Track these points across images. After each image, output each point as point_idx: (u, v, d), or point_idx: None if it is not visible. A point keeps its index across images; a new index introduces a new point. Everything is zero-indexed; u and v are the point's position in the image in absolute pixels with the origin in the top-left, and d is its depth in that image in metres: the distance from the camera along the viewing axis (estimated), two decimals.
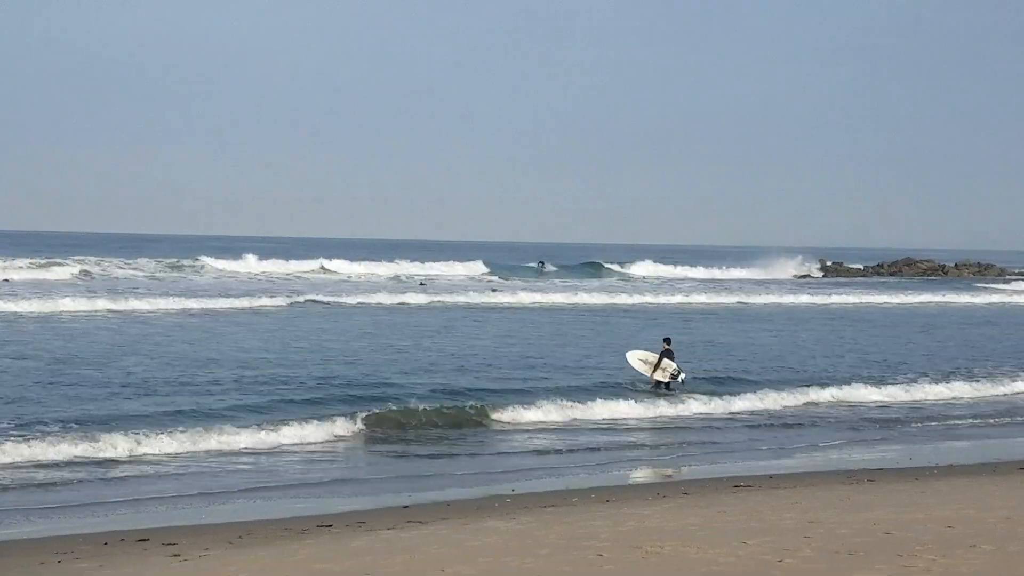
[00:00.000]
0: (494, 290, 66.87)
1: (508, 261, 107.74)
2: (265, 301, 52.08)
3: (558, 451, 21.80)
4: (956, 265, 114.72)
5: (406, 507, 16.16)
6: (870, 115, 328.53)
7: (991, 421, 26.71)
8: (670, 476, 19.92)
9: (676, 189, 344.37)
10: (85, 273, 69.06)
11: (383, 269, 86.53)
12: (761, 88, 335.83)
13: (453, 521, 14.88)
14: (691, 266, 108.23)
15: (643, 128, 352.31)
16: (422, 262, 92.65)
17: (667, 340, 30.05)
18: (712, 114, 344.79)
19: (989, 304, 72.34)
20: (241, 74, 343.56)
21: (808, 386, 29.35)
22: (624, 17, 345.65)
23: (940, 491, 17.03)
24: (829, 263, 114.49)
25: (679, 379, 29.07)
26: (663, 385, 28.93)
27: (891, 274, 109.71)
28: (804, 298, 69.07)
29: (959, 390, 30.57)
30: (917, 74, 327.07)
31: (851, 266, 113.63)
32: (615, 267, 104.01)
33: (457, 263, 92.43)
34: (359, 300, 55.46)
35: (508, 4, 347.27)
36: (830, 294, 72.06)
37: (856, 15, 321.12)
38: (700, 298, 66.23)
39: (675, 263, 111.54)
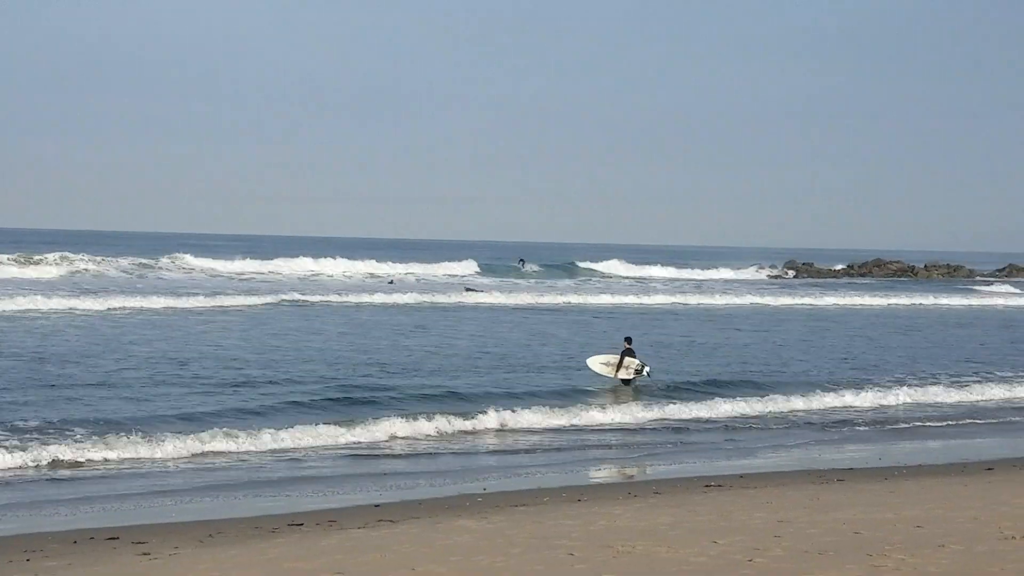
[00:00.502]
0: (468, 289, 66.78)
1: (495, 261, 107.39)
2: (240, 300, 51.95)
3: (528, 451, 21.81)
4: (925, 266, 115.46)
5: (377, 506, 16.13)
6: (840, 117, 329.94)
7: (960, 422, 26.87)
8: (640, 476, 19.96)
9: (641, 189, 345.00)
10: (70, 271, 69.07)
11: (367, 268, 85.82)
12: (728, 88, 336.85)
13: (424, 520, 14.86)
14: (663, 265, 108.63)
15: (613, 127, 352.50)
16: (418, 262, 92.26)
17: (628, 339, 30.44)
18: (682, 114, 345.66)
19: (979, 306, 72.63)
20: (228, 73, 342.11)
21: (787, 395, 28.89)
22: (603, 18, 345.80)
23: (909, 491, 17.12)
24: (801, 263, 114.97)
25: (644, 373, 29.38)
26: (629, 383, 29.13)
27: (861, 275, 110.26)
28: (784, 299, 69.23)
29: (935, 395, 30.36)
30: (886, 77, 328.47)
31: (821, 267, 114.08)
32: (594, 267, 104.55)
33: (452, 263, 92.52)
34: (333, 299, 55.44)
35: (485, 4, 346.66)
36: (807, 295, 72.47)
37: (831, 14, 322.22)
38: (678, 298, 66.60)
39: (647, 263, 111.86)
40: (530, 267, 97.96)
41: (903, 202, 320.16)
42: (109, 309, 45.01)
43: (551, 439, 23.17)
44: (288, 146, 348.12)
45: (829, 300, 70.67)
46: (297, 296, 55.12)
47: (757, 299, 68.80)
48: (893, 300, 73.18)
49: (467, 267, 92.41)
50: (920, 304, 71.97)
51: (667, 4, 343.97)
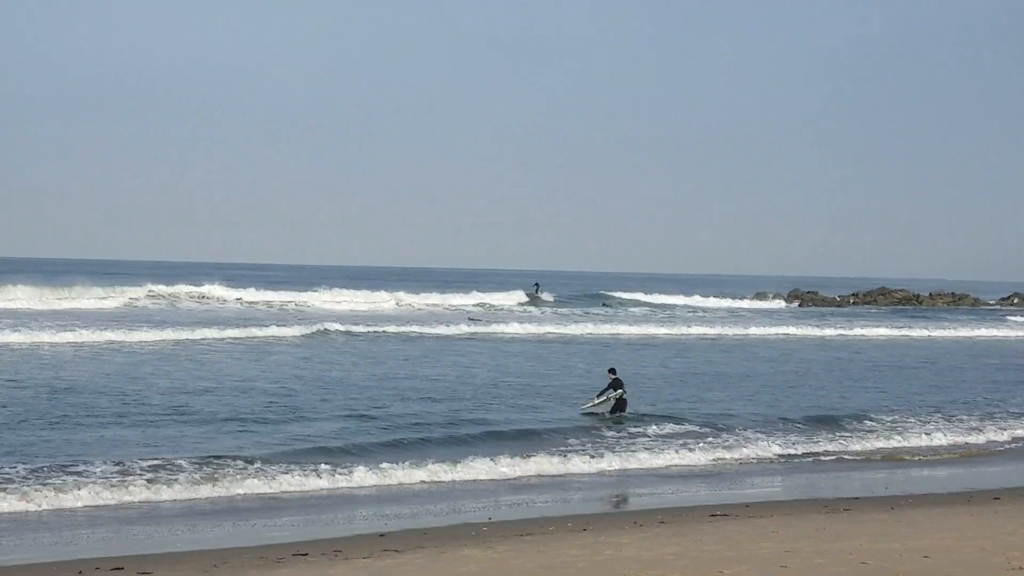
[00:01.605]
0: (471, 319, 66.75)
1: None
2: (290, 331, 51.65)
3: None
4: (931, 295, 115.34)
5: (382, 535, 16.09)
6: (844, 143, 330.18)
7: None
8: (645, 505, 19.87)
9: (634, 218, 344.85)
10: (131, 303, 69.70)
11: (408, 299, 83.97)
12: (730, 113, 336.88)
13: (429, 550, 14.82)
14: (682, 295, 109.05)
15: (608, 154, 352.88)
16: (478, 291, 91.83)
17: (612, 371, 30.50)
18: (681, 141, 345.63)
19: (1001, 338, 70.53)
20: (246, 100, 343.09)
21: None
22: (601, 37, 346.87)
23: (916, 521, 17.06)
24: (805, 292, 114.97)
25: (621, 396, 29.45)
26: (617, 412, 29.13)
27: (866, 303, 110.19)
28: (811, 330, 68.13)
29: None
30: (890, 104, 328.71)
31: (826, 295, 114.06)
32: (625, 295, 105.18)
33: (499, 293, 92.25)
34: (390, 329, 55.15)
35: (502, 23, 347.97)
36: (834, 325, 71.33)
37: (835, 37, 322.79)
38: (720, 329, 65.73)
39: (658, 291, 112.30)
40: (545, 294, 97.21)
41: (901, 230, 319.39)
42: (179, 341, 45.38)
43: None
44: (302, 173, 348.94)
45: (875, 331, 69.07)
46: (357, 327, 54.89)
47: (791, 329, 67.72)
48: (938, 332, 71.13)
49: (516, 297, 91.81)
50: (972, 336, 69.97)
51: (676, 28, 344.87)
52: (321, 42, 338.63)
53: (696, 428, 27.26)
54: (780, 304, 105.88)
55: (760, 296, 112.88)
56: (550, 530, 16.44)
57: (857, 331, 68.70)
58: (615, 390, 29.48)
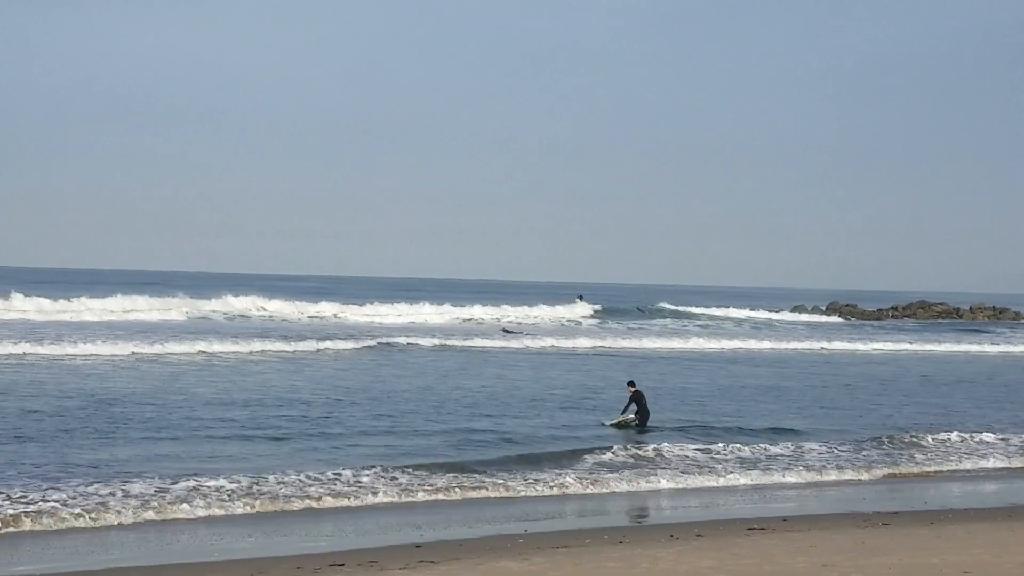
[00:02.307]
0: (505, 331, 66.69)
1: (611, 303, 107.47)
2: (343, 344, 51.72)
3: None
4: (971, 308, 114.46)
5: (418, 546, 16.09)
6: (884, 155, 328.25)
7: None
8: (682, 518, 19.77)
9: (672, 229, 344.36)
10: (191, 314, 70.19)
11: (470, 313, 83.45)
12: (765, 126, 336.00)
13: (465, 561, 14.81)
14: (734, 307, 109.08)
15: (641, 164, 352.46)
16: (509, 305, 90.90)
17: (631, 383, 30.68)
18: (712, 153, 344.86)
19: None
20: (270, 110, 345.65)
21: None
22: (632, 46, 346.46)
23: (956, 536, 16.91)
24: (843, 305, 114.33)
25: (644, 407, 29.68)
26: (634, 424, 29.33)
27: (905, 316, 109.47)
28: (859, 344, 67.82)
29: None
30: (931, 118, 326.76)
31: (864, 308, 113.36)
32: (681, 308, 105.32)
33: (561, 306, 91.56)
34: (436, 342, 55.37)
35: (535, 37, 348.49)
36: (888, 339, 71.38)
37: (871, 46, 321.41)
38: (787, 345, 65.65)
39: (692, 304, 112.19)
40: (588, 306, 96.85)
41: (935, 243, 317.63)
42: (251, 352, 46.36)
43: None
44: (335, 185, 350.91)
45: (946, 346, 68.75)
46: (415, 340, 55.18)
47: (847, 345, 67.14)
48: (989, 347, 70.48)
49: (583, 310, 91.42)
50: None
51: (694, 42, 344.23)
52: (347, 52, 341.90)
53: (773, 447, 26.67)
54: (822, 317, 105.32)
55: (798, 309, 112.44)
56: (586, 542, 16.39)
57: (906, 345, 68.24)
58: (636, 403, 29.70)
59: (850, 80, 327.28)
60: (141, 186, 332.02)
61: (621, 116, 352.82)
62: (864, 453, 26.54)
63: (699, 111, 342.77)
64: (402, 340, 55.10)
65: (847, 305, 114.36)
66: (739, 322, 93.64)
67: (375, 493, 19.99)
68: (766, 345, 64.66)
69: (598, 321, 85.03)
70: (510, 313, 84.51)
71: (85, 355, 41.88)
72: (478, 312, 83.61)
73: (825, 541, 16.22)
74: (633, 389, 30.14)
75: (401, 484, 20.74)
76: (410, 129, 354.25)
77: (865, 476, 24.32)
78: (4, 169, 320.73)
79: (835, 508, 20.61)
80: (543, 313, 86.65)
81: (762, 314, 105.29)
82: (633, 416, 29.55)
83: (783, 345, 64.84)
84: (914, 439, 28.32)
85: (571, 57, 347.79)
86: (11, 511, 17.30)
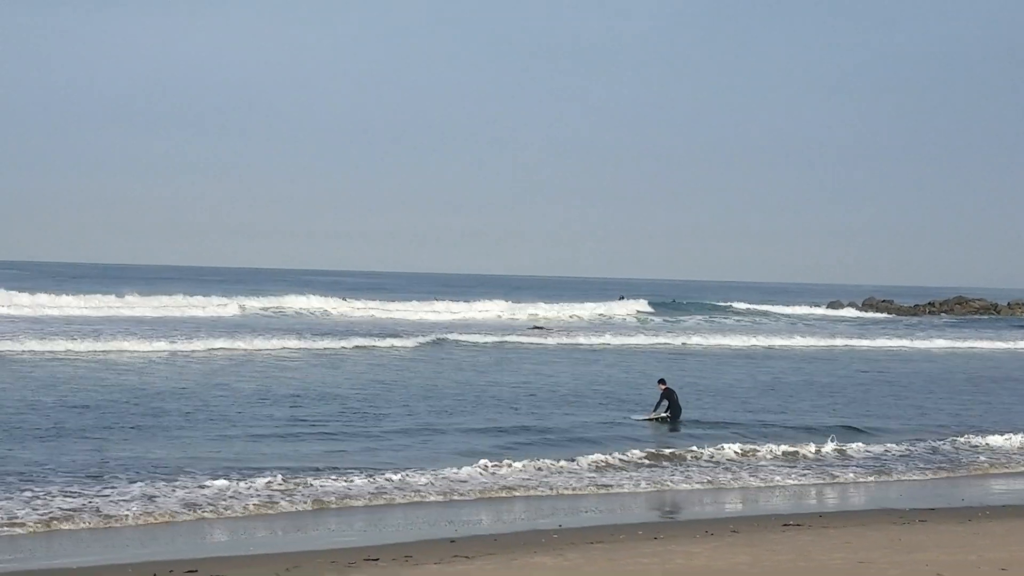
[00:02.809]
0: (535, 327, 66.62)
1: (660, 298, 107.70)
2: (399, 341, 51.79)
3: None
4: (1009, 304, 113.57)
5: (452, 541, 16.11)
6: (918, 150, 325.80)
7: None
8: (717, 514, 19.70)
9: (706, 225, 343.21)
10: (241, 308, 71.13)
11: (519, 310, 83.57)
12: (799, 119, 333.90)
13: (500, 556, 14.81)
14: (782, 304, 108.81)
15: (669, 163, 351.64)
16: (564, 302, 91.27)
17: (662, 381, 30.70)
18: (749, 148, 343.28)
19: None
20: (295, 108, 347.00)
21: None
22: (663, 41, 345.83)
23: (994, 532, 16.79)
24: (879, 300, 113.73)
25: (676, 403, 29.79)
26: (665, 420, 29.41)
27: (943, 312, 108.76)
28: (905, 342, 67.06)
29: None
30: (968, 112, 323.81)
31: (902, 304, 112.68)
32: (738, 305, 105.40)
33: (610, 302, 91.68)
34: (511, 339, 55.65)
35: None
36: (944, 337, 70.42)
37: (897, 44, 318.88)
38: (838, 341, 65.21)
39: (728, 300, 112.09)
40: (633, 303, 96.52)
41: (970, 239, 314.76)
42: (327, 348, 47.25)
43: None
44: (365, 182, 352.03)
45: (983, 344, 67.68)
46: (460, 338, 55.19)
47: (888, 342, 66.53)
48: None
49: (635, 306, 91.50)
50: None
51: (721, 39, 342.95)
52: (370, 53, 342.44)
53: (823, 447, 26.21)
54: (863, 313, 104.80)
55: (834, 305, 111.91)
56: (620, 538, 16.37)
57: (950, 342, 67.36)
58: (668, 400, 29.74)
59: (880, 74, 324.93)
60: (180, 186, 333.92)
61: (657, 117, 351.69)
62: (924, 455, 26.08)
63: (726, 107, 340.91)
64: (460, 337, 55.16)
65: (883, 301, 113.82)
66: (778, 318, 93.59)
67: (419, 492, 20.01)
68: (810, 342, 63.92)
69: (659, 319, 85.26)
70: (566, 311, 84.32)
71: (188, 351, 43.14)
72: (541, 310, 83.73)
73: (861, 538, 16.14)
74: (664, 387, 30.17)
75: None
76: (440, 126, 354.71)
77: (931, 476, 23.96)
78: (48, 167, 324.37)
79: (871, 504, 20.51)
80: (596, 310, 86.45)
81: (803, 309, 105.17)
82: (665, 413, 29.57)
83: (824, 342, 64.12)
84: (975, 442, 27.66)
85: (600, 52, 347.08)
86: (61, 506, 17.48)
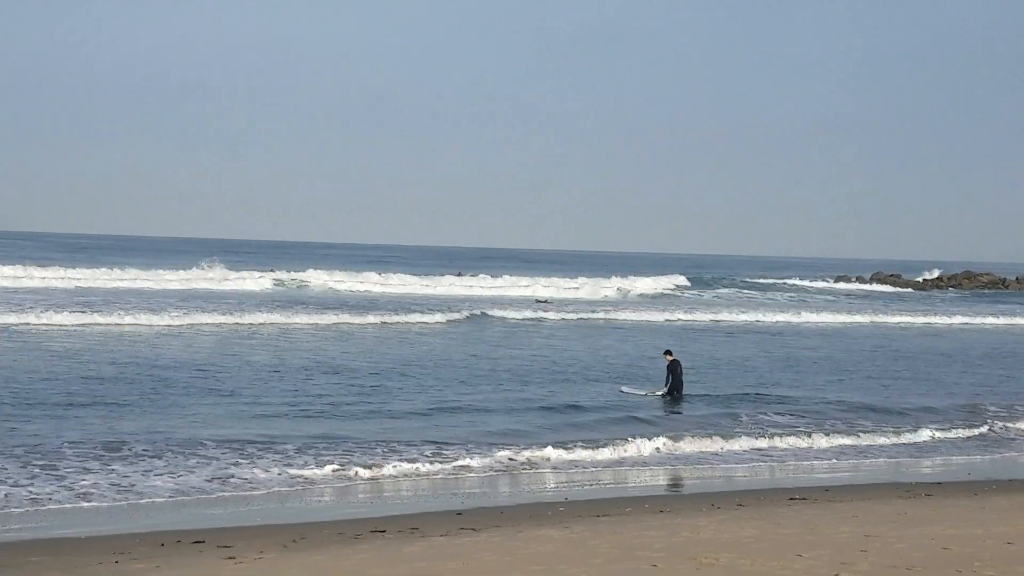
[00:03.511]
0: (539, 300, 66.36)
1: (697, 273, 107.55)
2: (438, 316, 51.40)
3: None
4: (1017, 279, 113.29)
5: (459, 513, 16.16)
6: (930, 125, 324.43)
7: None
8: (723, 487, 19.74)
9: (712, 200, 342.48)
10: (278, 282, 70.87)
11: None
12: (800, 101, 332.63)
13: (506, 528, 14.85)
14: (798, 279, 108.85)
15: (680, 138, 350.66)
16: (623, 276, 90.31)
17: (668, 352, 30.29)
18: (752, 127, 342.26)
19: None
20: (318, 81, 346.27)
21: None
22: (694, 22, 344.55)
23: (1000, 507, 16.81)
24: (887, 275, 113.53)
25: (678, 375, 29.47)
26: (674, 392, 29.17)
27: (950, 287, 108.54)
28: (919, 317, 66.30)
29: None
30: (982, 85, 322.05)
31: (909, 278, 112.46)
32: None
33: (658, 278, 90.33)
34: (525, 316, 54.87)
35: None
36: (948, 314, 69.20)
37: (913, 21, 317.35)
38: (858, 318, 64.11)
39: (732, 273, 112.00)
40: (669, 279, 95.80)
41: (972, 212, 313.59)
42: (384, 323, 47.66)
43: None
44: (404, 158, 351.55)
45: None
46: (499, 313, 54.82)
47: (901, 318, 65.54)
48: None
49: (673, 281, 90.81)
50: None
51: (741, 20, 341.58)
52: (399, 27, 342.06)
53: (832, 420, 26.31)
54: (871, 287, 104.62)
55: (842, 279, 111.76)
56: (627, 511, 16.41)
57: (966, 318, 66.53)
58: (672, 373, 29.41)
59: (889, 53, 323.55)
60: (222, 159, 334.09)
61: (666, 95, 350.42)
62: (960, 436, 25.66)
63: (746, 87, 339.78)
64: (501, 313, 54.70)
65: (891, 275, 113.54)
66: (799, 290, 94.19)
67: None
68: (825, 318, 62.85)
69: (694, 292, 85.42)
70: (616, 284, 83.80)
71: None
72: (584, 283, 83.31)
73: (867, 511, 16.16)
74: (670, 358, 29.73)
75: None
76: (473, 99, 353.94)
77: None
78: (73, 138, 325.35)
79: (877, 478, 20.53)
80: (642, 285, 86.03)
81: (818, 283, 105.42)
82: (666, 387, 29.22)
83: (833, 319, 63.24)
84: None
85: (628, 26, 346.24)
86: (82, 478, 17.57)
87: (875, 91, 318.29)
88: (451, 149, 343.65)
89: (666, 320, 56.68)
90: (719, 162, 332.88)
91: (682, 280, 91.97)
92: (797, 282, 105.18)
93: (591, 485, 19.37)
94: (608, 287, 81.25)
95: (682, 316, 58.91)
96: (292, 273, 77.21)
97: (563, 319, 54.16)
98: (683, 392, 29.19)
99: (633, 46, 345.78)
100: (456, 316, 51.79)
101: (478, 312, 54.29)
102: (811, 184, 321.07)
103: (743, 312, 62.61)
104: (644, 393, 29.30)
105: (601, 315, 56.74)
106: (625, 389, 29.87)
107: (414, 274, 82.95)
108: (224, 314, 45.96)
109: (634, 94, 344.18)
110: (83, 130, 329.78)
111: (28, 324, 39.87)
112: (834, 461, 22.45)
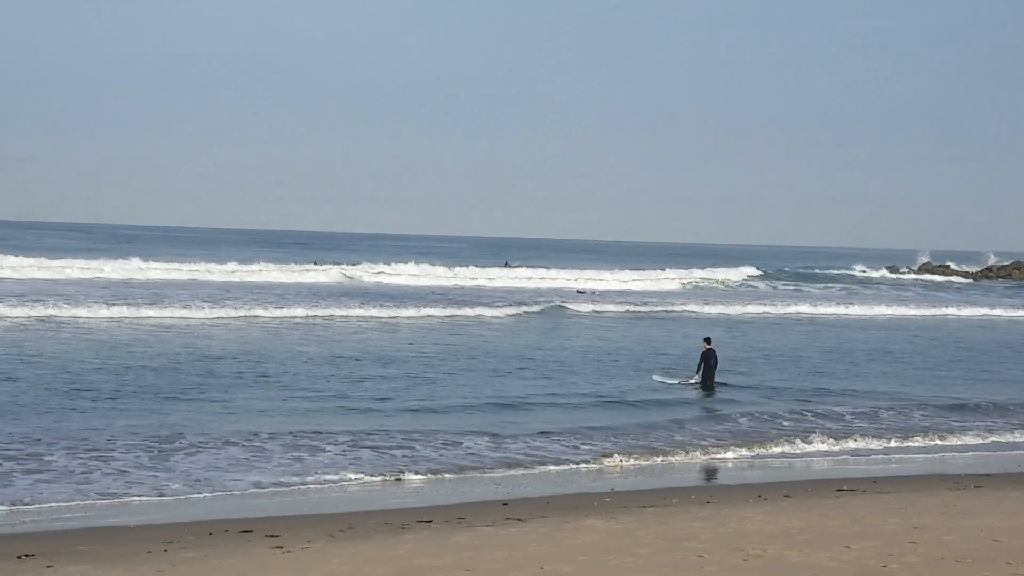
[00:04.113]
0: (507, 264, 65.93)
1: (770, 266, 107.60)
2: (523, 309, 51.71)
3: None
4: None
5: (505, 504, 16.17)
6: (966, 116, 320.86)
7: None
8: (770, 479, 19.63)
9: (762, 191, 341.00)
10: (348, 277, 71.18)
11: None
12: (848, 89, 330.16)
13: (552, 519, 14.85)
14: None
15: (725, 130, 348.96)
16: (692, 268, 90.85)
17: (707, 340, 30.12)
18: (801, 115, 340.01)
19: None
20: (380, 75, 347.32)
21: None
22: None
23: None
24: (936, 265, 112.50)
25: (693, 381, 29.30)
26: (701, 384, 29.03)
27: (1000, 277, 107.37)
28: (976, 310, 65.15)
29: None
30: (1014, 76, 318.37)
31: (958, 269, 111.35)
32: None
33: (727, 269, 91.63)
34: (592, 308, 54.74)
35: None
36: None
37: (974, 15, 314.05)
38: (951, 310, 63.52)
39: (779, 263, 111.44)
40: (517, 264, 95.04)
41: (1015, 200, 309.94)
42: (479, 315, 48.02)
43: None
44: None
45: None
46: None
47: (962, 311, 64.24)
48: None
49: (745, 272, 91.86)
50: None
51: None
52: (441, 18, 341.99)
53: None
54: (941, 278, 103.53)
55: (892, 269, 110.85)
56: (673, 502, 16.37)
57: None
58: (705, 362, 29.27)
59: (939, 38, 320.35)
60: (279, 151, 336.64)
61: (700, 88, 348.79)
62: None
63: (789, 76, 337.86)
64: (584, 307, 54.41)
65: (940, 265, 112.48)
66: (867, 281, 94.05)
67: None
68: (912, 311, 61.92)
69: (766, 283, 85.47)
70: (685, 275, 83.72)
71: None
72: (670, 275, 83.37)
73: (915, 503, 16.03)
74: (708, 346, 29.52)
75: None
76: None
77: None
78: (119, 130, 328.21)
79: (925, 469, 20.36)
80: (713, 276, 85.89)
81: (882, 272, 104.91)
82: (697, 376, 29.16)
83: (918, 312, 62.10)
84: None
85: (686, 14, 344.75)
86: (126, 468, 17.71)
87: (918, 78, 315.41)
88: (480, 139, 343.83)
89: (745, 312, 56.57)
90: (784, 152, 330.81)
91: (753, 271, 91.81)
92: (866, 273, 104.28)
93: (637, 477, 19.36)
94: (673, 278, 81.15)
95: (766, 309, 58.92)
96: (369, 265, 77.38)
97: (641, 311, 54.06)
98: (714, 382, 29.02)
99: (680, 32, 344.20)
100: (530, 308, 51.85)
101: (553, 303, 54.34)
102: (840, 174, 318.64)
103: (826, 304, 62.45)
104: (678, 382, 29.26)
105: (680, 307, 56.68)
106: (657, 378, 29.83)
107: (477, 265, 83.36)
108: (322, 307, 46.79)
109: (688, 82, 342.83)
110: (126, 121, 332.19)
111: (127, 316, 40.67)
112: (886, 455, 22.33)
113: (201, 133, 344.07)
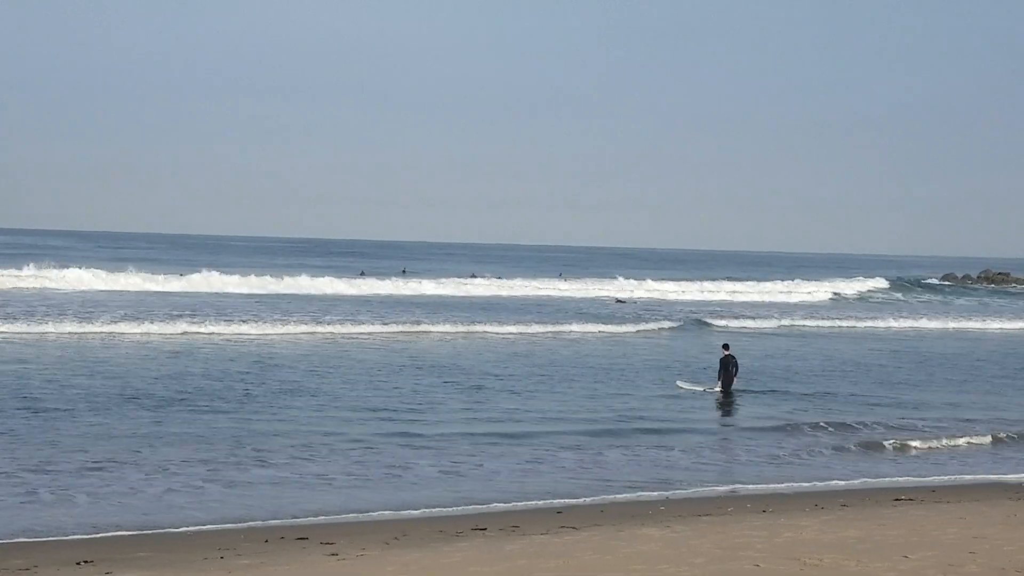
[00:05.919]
0: (619, 300, 65.65)
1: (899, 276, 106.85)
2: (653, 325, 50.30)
3: None
4: None
5: (559, 512, 16.15)
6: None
7: None
8: (827, 488, 19.41)
9: (815, 197, 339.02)
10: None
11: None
12: (896, 93, 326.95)
13: (607, 527, 14.81)
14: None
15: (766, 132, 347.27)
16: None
17: (726, 346, 30.22)
18: (858, 118, 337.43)
19: None
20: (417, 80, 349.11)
21: None
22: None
23: None
24: (995, 273, 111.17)
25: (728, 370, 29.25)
26: (721, 392, 29.01)
27: None
28: None
29: None
30: None
31: (1019, 276, 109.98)
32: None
33: (856, 281, 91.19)
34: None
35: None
36: None
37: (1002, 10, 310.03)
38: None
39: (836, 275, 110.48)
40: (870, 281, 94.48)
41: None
42: (634, 332, 46.85)
43: None
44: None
45: None
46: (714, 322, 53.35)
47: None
48: None
49: (876, 284, 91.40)
50: None
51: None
52: (472, 20, 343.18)
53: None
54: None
55: (948, 277, 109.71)
56: (728, 511, 16.28)
57: None
58: (724, 368, 29.33)
59: (985, 42, 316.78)
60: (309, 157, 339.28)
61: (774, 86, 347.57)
62: None
63: (838, 82, 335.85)
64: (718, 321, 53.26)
65: (999, 274, 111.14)
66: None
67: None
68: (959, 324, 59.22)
69: (898, 295, 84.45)
70: (820, 288, 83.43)
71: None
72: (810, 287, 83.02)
73: (975, 513, 15.84)
74: (726, 352, 29.57)
75: None
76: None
77: None
78: (173, 139, 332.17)
79: (984, 479, 20.10)
80: (848, 288, 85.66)
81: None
82: (718, 383, 29.19)
83: (942, 324, 59.38)
84: None
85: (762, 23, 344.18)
86: (176, 475, 17.88)
87: (974, 86, 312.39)
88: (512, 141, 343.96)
89: (869, 326, 55.06)
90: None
91: (883, 283, 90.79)
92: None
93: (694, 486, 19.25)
94: (806, 290, 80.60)
95: (908, 323, 57.48)
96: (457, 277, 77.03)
97: (806, 325, 53.14)
98: (732, 388, 29.01)
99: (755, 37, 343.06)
100: (671, 324, 50.66)
101: (694, 319, 53.42)
102: (896, 180, 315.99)
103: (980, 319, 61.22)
104: (702, 389, 29.22)
105: (828, 322, 55.74)
106: (681, 383, 29.77)
107: (585, 277, 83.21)
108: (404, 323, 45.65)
109: (787, 87, 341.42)
110: (165, 128, 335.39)
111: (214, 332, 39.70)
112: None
113: (247, 140, 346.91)
